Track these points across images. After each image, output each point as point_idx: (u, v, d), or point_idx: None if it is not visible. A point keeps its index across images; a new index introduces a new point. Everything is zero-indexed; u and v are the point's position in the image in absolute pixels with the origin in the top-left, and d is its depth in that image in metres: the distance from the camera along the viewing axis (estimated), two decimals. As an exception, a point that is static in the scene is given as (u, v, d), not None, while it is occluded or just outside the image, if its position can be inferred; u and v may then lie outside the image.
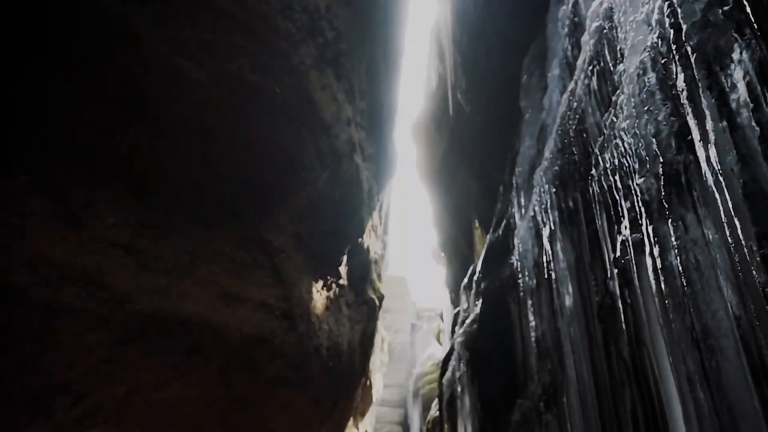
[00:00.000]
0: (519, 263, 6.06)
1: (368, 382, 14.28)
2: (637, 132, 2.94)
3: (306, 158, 7.04)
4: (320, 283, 8.10)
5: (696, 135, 2.36)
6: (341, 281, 8.92)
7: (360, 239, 9.73)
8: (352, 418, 12.74)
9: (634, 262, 3.03)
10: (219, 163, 6.29)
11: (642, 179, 2.86)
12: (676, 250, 2.48)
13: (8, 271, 4.67)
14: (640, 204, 2.89)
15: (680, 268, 2.43)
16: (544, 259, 5.10)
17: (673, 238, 2.50)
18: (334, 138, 7.61)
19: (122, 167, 5.69)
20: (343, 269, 8.99)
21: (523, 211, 6.33)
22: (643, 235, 2.91)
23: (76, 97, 5.29)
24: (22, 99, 4.98)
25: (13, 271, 4.71)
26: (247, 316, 6.44)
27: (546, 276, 5.06)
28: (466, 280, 10.44)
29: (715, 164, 2.19)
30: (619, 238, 3.33)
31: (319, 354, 7.74)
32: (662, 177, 2.63)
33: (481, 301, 7.57)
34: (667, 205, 2.59)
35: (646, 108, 2.89)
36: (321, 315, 7.88)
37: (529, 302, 5.59)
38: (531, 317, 5.51)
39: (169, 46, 5.48)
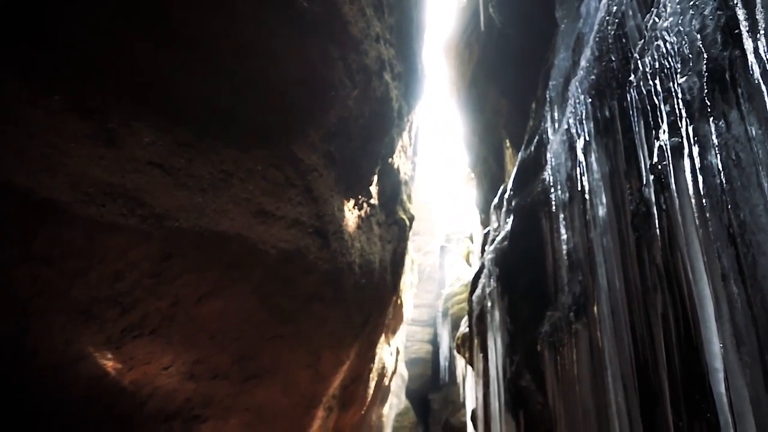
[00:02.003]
0: (551, 178, 6.01)
1: (399, 301, 14.69)
2: (681, 29, 2.84)
3: (335, 75, 6.96)
4: (351, 202, 8.20)
5: (744, 26, 2.27)
6: (372, 201, 9.01)
7: (390, 159, 9.74)
8: (383, 335, 13.20)
9: (671, 166, 3.00)
10: (247, 80, 6.28)
11: (684, 78, 2.78)
12: (716, 149, 2.44)
13: (53, 189, 4.84)
14: (681, 105, 2.82)
15: (720, 166, 2.40)
16: (578, 172, 5.05)
17: (713, 137, 2.46)
18: (363, 54, 7.49)
19: (154, 88, 5.73)
20: (373, 189, 9.06)
21: (556, 125, 6.22)
22: (682, 137, 2.86)
23: (105, 19, 5.27)
24: (52, 19, 4.98)
25: (57, 189, 4.88)
26: (281, 233, 6.60)
27: (579, 188, 5.03)
28: (496, 199, 10.44)
29: (763, 54, 2.12)
30: (657, 144, 3.28)
31: (351, 270, 7.94)
32: (705, 74, 2.55)
33: (512, 217, 7.59)
34: (709, 103, 2.53)
35: (691, 3, 2.77)
36: (353, 233, 8.03)
37: (561, 216, 5.60)
38: (562, 230, 5.53)
39: (193, -42, 5.38)
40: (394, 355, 16.06)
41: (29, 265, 4.94)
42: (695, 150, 2.65)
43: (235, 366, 7.08)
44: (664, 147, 3.12)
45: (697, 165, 2.61)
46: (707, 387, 2.71)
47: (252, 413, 7.69)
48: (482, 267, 9.77)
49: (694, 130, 2.68)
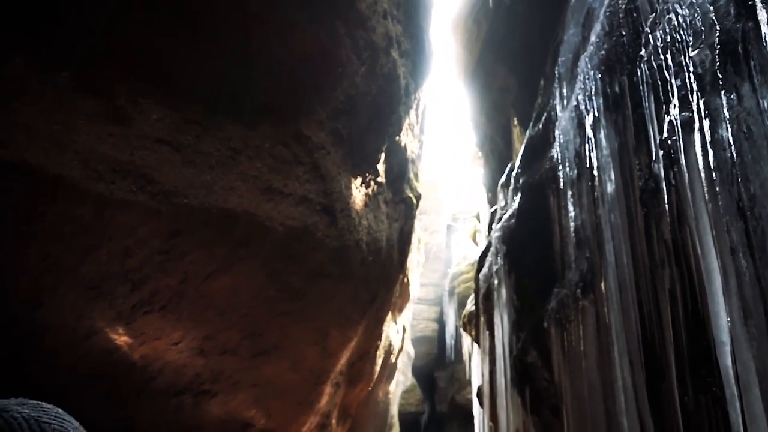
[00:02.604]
0: (559, 155, 5.99)
1: (406, 279, 14.73)
2: (693, 1, 2.80)
3: (342, 52, 6.92)
4: (359, 179, 8.20)
5: (758, -4, 2.24)
6: (379, 179, 9.00)
7: (397, 137, 9.70)
8: (390, 313, 13.28)
9: (681, 140, 2.98)
10: (254, 57, 6.25)
11: (696, 51, 2.75)
12: (727, 122, 2.43)
13: (63, 166, 4.87)
14: (692, 79, 2.80)
15: (731, 139, 2.39)
16: (586, 149, 5.03)
17: (725, 110, 2.44)
18: (370, 31, 7.43)
19: (161, 65, 5.71)
20: (381, 167, 9.04)
21: (565, 102, 6.18)
22: (692, 112, 2.84)
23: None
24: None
25: (68, 165, 4.90)
26: (289, 210, 6.62)
27: (587, 165, 5.01)
28: (504, 177, 10.40)
29: (777, 25, 2.10)
30: (667, 119, 3.26)
31: (359, 248, 7.97)
32: (718, 47, 2.53)
33: (519, 195, 7.58)
34: (721, 77, 2.51)
35: (704, -26, 2.73)
36: (360, 211, 8.04)
37: (569, 193, 5.59)
38: (570, 208, 5.53)
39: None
40: (400, 333, 16.18)
41: (40, 242, 4.99)
42: (706, 124, 2.64)
43: (244, 342, 7.16)
44: (675, 121, 3.10)
45: (708, 139, 2.60)
46: (713, 361, 2.73)
47: (260, 389, 7.79)
48: (489, 245, 9.77)
49: (705, 103, 2.66)
